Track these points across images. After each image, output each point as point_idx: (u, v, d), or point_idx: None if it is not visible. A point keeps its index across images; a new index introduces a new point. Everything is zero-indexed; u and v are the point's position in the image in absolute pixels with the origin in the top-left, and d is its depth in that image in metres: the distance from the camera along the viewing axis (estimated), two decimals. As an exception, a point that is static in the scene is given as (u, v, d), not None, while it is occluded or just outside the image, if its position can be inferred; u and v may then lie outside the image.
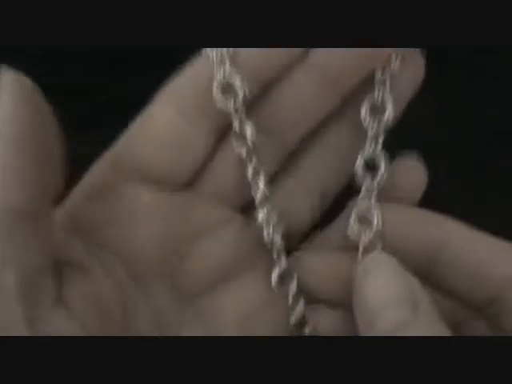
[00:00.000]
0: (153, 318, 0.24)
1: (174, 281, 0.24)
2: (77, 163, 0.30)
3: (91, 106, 0.31)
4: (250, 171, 0.24)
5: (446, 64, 0.29)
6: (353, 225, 0.25)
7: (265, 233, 0.25)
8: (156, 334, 0.24)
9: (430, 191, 0.27)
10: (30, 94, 0.19)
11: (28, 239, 0.20)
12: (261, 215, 0.25)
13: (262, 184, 0.24)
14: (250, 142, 0.24)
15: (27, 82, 0.19)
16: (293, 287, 0.25)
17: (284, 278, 0.25)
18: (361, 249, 0.25)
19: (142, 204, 0.24)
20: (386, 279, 0.23)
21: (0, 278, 0.19)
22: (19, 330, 0.19)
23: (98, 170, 0.24)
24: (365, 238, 0.24)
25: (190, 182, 0.25)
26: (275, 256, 0.25)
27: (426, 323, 0.22)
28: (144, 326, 0.24)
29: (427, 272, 0.24)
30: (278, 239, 0.25)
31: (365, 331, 0.23)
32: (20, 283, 0.19)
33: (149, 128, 0.24)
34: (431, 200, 0.29)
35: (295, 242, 0.26)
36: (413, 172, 0.25)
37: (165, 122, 0.24)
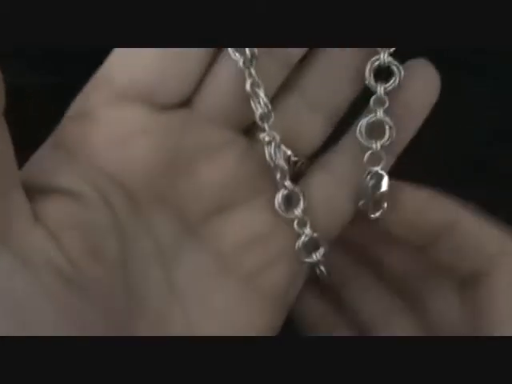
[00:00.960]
0: (155, 247, 0.23)
1: (175, 207, 0.23)
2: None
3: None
4: (248, 83, 0.22)
5: (446, 64, 0.29)
6: (362, 132, 0.23)
7: (266, 152, 0.23)
8: (158, 262, 0.23)
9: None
10: None
11: None
12: (263, 133, 0.23)
13: (262, 95, 0.22)
14: (247, 50, 0.22)
15: None
16: (298, 210, 0.24)
17: (290, 201, 0.24)
18: (367, 156, 0.24)
19: (135, 124, 0.22)
20: None
21: None
22: None
23: (86, 91, 0.23)
24: (375, 146, 0.23)
25: (187, 101, 0.23)
26: (278, 176, 0.23)
27: None
28: (145, 255, 0.23)
29: (422, 245, 0.25)
30: (281, 158, 0.23)
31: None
32: None
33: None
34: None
35: (304, 165, 0.25)
36: (425, 73, 0.24)
37: None
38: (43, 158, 0.23)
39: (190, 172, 0.23)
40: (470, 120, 0.30)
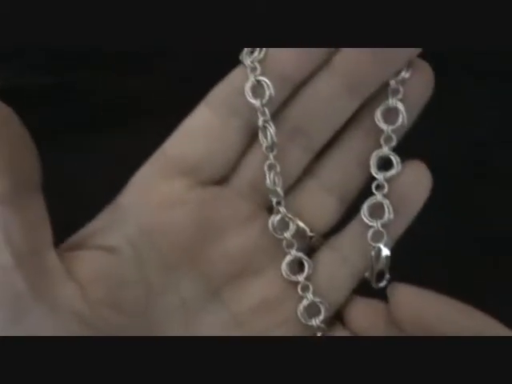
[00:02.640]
0: (180, 303, 0.26)
1: (201, 270, 0.26)
2: (78, 160, 0.30)
3: (91, 106, 0.31)
4: (266, 164, 0.26)
5: (446, 64, 0.29)
6: (365, 212, 0.27)
7: (270, 223, 0.27)
8: (180, 316, 0.26)
9: (430, 191, 0.27)
10: None
11: (15, 221, 0.22)
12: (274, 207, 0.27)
13: (272, 175, 0.26)
14: (269, 138, 0.26)
15: None
16: (302, 276, 0.27)
17: (298, 268, 0.27)
18: (369, 234, 0.27)
19: (176, 195, 0.26)
20: None
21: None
22: (27, 299, 0.22)
23: (147, 162, 0.27)
24: (376, 226, 0.27)
25: (224, 178, 0.27)
26: (284, 245, 0.27)
27: None
28: (169, 310, 0.26)
29: None
30: (289, 231, 0.27)
31: None
32: (16, 259, 0.22)
33: (187, 126, 0.26)
34: (432, 200, 0.30)
35: (318, 241, 0.27)
36: (419, 175, 0.27)
37: (200, 120, 0.26)
38: (99, 217, 0.26)
39: (218, 240, 0.27)
40: (470, 120, 0.30)
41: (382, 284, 0.27)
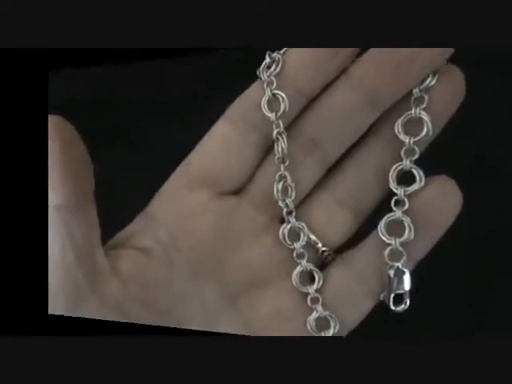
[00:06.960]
0: (200, 307, 0.27)
1: (221, 277, 0.27)
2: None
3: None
4: (277, 175, 0.27)
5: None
6: (383, 229, 0.25)
7: (280, 231, 0.27)
8: (199, 320, 0.27)
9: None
10: (66, 131, 0.24)
11: (78, 225, 0.25)
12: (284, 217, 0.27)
13: (281, 186, 0.27)
14: (280, 149, 0.26)
15: (64, 123, 0.24)
16: (311, 289, 0.26)
17: (309, 279, 0.27)
18: (387, 252, 0.25)
19: (198, 205, 0.27)
20: None
21: (63, 255, 0.25)
22: (84, 290, 0.25)
23: (173, 173, 0.28)
24: (394, 244, 0.25)
25: (242, 188, 0.28)
26: (295, 255, 0.27)
27: None
28: (190, 312, 0.27)
29: None
30: (298, 242, 0.27)
31: None
32: (77, 257, 0.25)
33: (207, 141, 0.28)
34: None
35: (330, 256, 0.27)
36: (448, 194, 0.26)
37: (219, 135, 0.27)
38: (134, 222, 0.28)
39: (235, 249, 0.28)
40: (470, 120, 0.30)
41: (401, 308, 0.25)
